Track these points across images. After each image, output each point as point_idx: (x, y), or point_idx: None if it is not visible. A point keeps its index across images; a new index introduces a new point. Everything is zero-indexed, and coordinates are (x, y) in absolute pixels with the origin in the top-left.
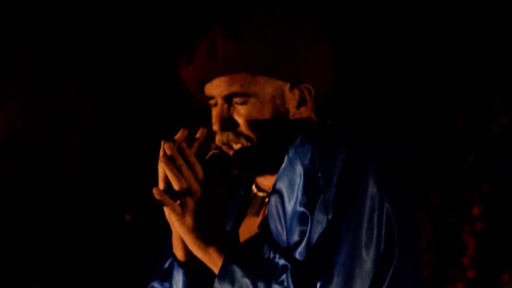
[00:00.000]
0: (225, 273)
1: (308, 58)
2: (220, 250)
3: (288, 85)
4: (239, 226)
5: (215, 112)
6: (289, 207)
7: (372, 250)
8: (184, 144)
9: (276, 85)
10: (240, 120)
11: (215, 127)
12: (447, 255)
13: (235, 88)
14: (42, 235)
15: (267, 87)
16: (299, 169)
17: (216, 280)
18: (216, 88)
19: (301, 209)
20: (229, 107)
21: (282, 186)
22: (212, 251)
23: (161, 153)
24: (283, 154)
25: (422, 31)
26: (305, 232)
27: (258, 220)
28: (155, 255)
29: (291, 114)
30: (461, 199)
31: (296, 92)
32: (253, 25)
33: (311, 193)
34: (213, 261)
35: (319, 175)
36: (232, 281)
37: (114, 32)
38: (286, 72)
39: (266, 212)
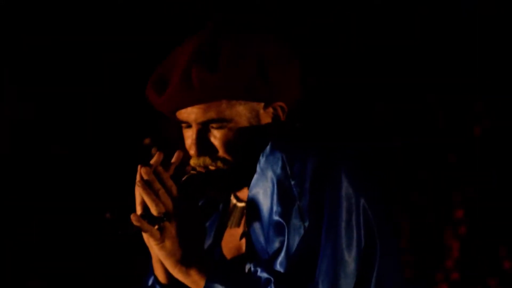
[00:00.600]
0: None
1: (281, 80)
2: (201, 271)
3: (262, 105)
4: (221, 238)
5: (189, 134)
6: (266, 217)
7: (354, 250)
8: (160, 168)
9: (251, 107)
10: (217, 143)
11: (192, 151)
12: (430, 257)
13: (211, 114)
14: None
15: (243, 111)
16: (271, 178)
17: None
18: (190, 114)
19: (277, 218)
20: (205, 131)
21: (257, 195)
22: (193, 273)
23: (137, 177)
24: (254, 168)
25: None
26: (283, 242)
27: (239, 230)
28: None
29: (267, 132)
30: (443, 201)
31: (270, 110)
32: (227, 53)
33: (285, 202)
34: (195, 283)
35: (292, 182)
36: None
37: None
38: (260, 94)
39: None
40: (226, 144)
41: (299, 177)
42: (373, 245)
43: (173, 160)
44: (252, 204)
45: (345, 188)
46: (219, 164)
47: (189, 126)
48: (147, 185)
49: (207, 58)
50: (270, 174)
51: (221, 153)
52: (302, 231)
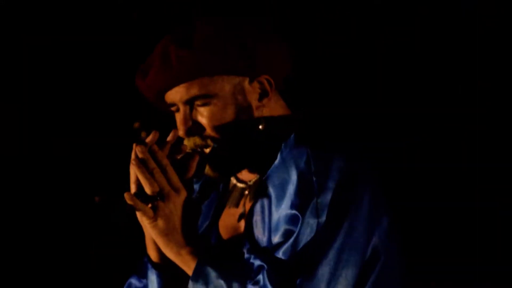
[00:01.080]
0: (199, 275)
1: (262, 53)
2: (193, 252)
3: (246, 80)
4: (218, 218)
5: (178, 117)
6: (277, 206)
7: (358, 256)
8: (155, 147)
9: (235, 81)
10: (204, 122)
11: (181, 133)
12: None
13: (194, 91)
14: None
15: (226, 85)
16: (293, 171)
17: (190, 282)
18: (176, 94)
19: (293, 211)
20: (191, 111)
21: (272, 185)
22: (185, 253)
23: (132, 156)
24: (254, 148)
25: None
26: (292, 232)
27: (238, 211)
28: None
29: (254, 107)
30: None
31: (256, 85)
32: (203, 31)
33: (304, 196)
34: (187, 263)
35: (314, 179)
36: (206, 283)
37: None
38: (242, 68)
39: (246, 204)
40: (213, 120)
41: (322, 175)
42: (377, 259)
43: (168, 139)
44: (264, 192)
45: (367, 200)
46: (209, 142)
47: (178, 110)
48: (142, 164)
49: (185, 37)
50: (292, 167)
51: (209, 130)
52: (315, 227)
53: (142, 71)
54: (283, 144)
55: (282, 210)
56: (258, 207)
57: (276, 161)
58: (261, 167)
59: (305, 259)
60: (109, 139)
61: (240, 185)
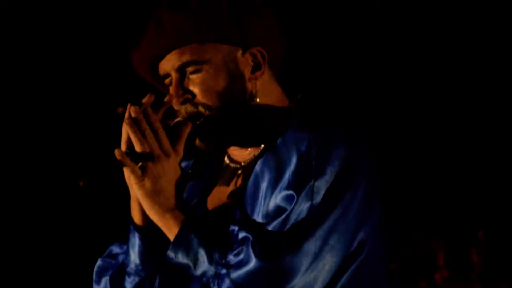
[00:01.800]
0: (181, 241)
1: (255, 23)
2: (178, 217)
3: (239, 51)
4: (208, 195)
5: (171, 88)
6: (273, 187)
7: (344, 245)
8: (149, 109)
9: (227, 50)
10: (195, 89)
11: (173, 100)
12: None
13: (186, 57)
14: None
15: (218, 53)
16: (293, 154)
17: (170, 247)
18: (168, 63)
19: (289, 191)
20: (183, 79)
21: (268, 166)
22: (169, 216)
23: (126, 115)
24: (247, 125)
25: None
26: (285, 210)
27: (228, 189)
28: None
29: (246, 78)
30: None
31: (249, 56)
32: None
33: (302, 178)
34: (170, 228)
35: (313, 163)
36: (187, 250)
37: None
38: (234, 37)
39: (237, 183)
40: (204, 87)
41: (322, 159)
42: (362, 247)
43: (166, 99)
44: (260, 170)
45: (363, 192)
46: (201, 109)
47: (171, 83)
48: (135, 123)
49: (178, 2)
50: (293, 150)
51: (201, 98)
52: (307, 207)
53: (136, 42)
54: (285, 128)
55: (277, 190)
56: (251, 185)
57: (278, 142)
58: (257, 148)
59: (293, 235)
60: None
61: (233, 165)
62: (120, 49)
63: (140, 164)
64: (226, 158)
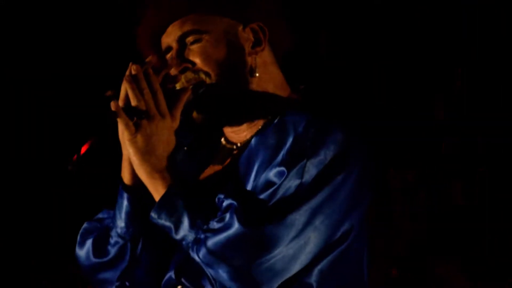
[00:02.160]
0: (165, 202)
1: (258, 1)
2: (166, 178)
3: (240, 26)
4: (201, 173)
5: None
6: (266, 165)
7: (328, 230)
8: (150, 70)
9: (229, 23)
10: (195, 58)
11: (173, 69)
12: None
13: (187, 27)
14: None
15: (219, 25)
16: (290, 135)
17: (154, 207)
18: (169, 35)
19: (281, 167)
20: (183, 50)
21: (265, 145)
22: (157, 177)
23: (127, 72)
24: (246, 103)
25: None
26: (274, 184)
27: (220, 168)
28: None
29: (246, 52)
30: None
31: (250, 32)
32: None
33: (295, 156)
34: (156, 188)
35: (308, 144)
36: (171, 212)
37: None
38: (236, 10)
39: (232, 162)
40: (204, 55)
41: (318, 141)
42: (344, 240)
43: (167, 56)
44: (255, 148)
45: (354, 179)
46: (201, 75)
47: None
48: (134, 81)
49: None
50: (290, 130)
51: (200, 65)
52: (296, 184)
53: (140, 14)
54: (284, 110)
55: (270, 167)
56: (243, 160)
57: (276, 121)
58: (254, 129)
59: (278, 207)
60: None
61: (228, 145)
62: (120, 49)
63: (134, 120)
64: (223, 140)
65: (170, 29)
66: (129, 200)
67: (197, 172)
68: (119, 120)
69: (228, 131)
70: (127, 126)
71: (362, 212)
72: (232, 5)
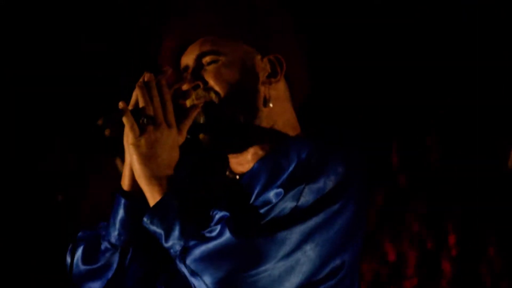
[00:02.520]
0: (159, 209)
1: (280, 37)
2: (163, 186)
3: (259, 55)
4: (200, 193)
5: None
6: (265, 188)
7: (318, 257)
8: (163, 81)
9: (248, 50)
10: (209, 77)
11: (186, 85)
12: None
13: (206, 47)
14: None
15: (238, 51)
16: (293, 160)
17: (147, 212)
18: (189, 54)
19: (279, 189)
20: (199, 69)
21: (266, 167)
22: (155, 183)
23: (140, 80)
24: (252, 131)
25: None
26: (269, 203)
27: (221, 191)
28: None
29: (260, 81)
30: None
31: (267, 62)
32: None
33: (294, 180)
34: (153, 195)
35: (309, 170)
36: (162, 219)
37: None
38: (256, 40)
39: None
40: (218, 74)
41: (319, 170)
42: (334, 277)
43: (181, 70)
44: (256, 171)
45: (352, 211)
46: (212, 95)
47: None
48: (145, 87)
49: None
50: (293, 155)
51: (211, 83)
52: (291, 207)
53: (164, 32)
54: (292, 137)
55: (270, 189)
56: (245, 183)
57: (280, 148)
58: (257, 159)
59: (270, 224)
60: None
61: (232, 176)
62: (120, 49)
63: (141, 122)
64: (228, 172)
65: (190, 49)
66: (125, 206)
67: (196, 191)
68: (124, 120)
69: (233, 162)
70: (132, 128)
71: (356, 249)
72: (254, 34)
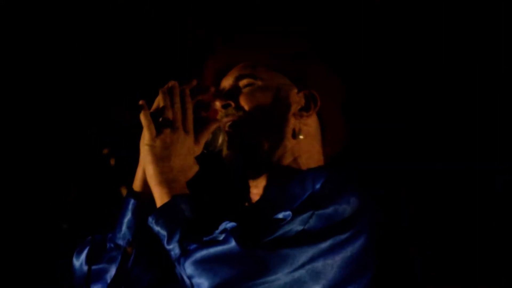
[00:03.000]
0: (165, 210)
1: (320, 79)
2: (173, 189)
3: (296, 88)
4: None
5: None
6: (276, 212)
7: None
8: (187, 91)
9: (285, 82)
10: (242, 98)
11: (218, 101)
12: None
13: (246, 71)
14: None
15: (276, 79)
16: (308, 189)
17: (154, 212)
18: (228, 76)
19: (287, 212)
20: (235, 90)
21: (282, 194)
22: (165, 186)
23: (165, 86)
24: (275, 157)
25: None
26: (278, 221)
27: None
28: None
29: (291, 111)
30: None
31: (302, 97)
32: (272, 31)
33: (305, 206)
34: (161, 197)
35: (321, 198)
36: (167, 220)
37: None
38: (297, 72)
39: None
40: (250, 96)
41: (330, 197)
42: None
43: (208, 85)
44: (271, 194)
45: (360, 245)
46: (241, 114)
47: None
48: (168, 93)
49: (256, 28)
50: (309, 184)
51: (242, 103)
52: (297, 230)
53: (211, 53)
54: (307, 170)
55: (278, 213)
56: (257, 205)
57: (295, 178)
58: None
59: (275, 240)
60: None
61: (248, 204)
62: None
63: (158, 122)
64: (246, 204)
65: (230, 72)
66: (133, 207)
67: (208, 205)
68: (142, 117)
69: (254, 192)
70: (149, 127)
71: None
72: (296, 68)
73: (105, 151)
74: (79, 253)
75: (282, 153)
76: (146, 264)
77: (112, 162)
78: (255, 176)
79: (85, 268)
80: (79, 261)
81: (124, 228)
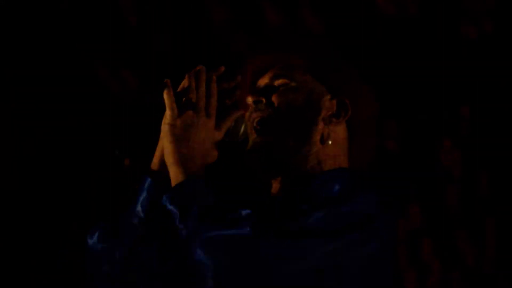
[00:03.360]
0: (181, 189)
1: (353, 80)
2: (189, 169)
3: (329, 95)
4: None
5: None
6: (289, 208)
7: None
8: (214, 77)
9: (319, 87)
10: (274, 96)
11: (249, 97)
12: None
13: (282, 71)
14: None
15: (310, 83)
16: (328, 187)
17: (169, 191)
18: (265, 76)
19: (305, 206)
20: (269, 87)
21: (298, 194)
22: (181, 165)
23: (192, 70)
24: (295, 158)
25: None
26: (292, 216)
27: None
28: None
29: (321, 116)
30: None
31: (334, 104)
32: (314, 41)
33: (323, 203)
34: (177, 176)
35: (340, 199)
36: (181, 199)
37: None
38: (332, 80)
39: None
40: (282, 96)
41: (347, 198)
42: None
43: (238, 74)
44: (292, 194)
45: (378, 244)
46: (270, 111)
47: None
48: (194, 76)
49: (298, 34)
50: (328, 184)
51: (274, 100)
52: (310, 226)
53: (249, 55)
54: (328, 171)
55: (296, 207)
56: (275, 203)
57: (314, 182)
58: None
59: (288, 232)
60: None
61: (265, 196)
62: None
63: (181, 102)
64: (264, 195)
65: (269, 73)
66: (149, 185)
67: (226, 192)
68: (165, 96)
69: (273, 186)
70: (171, 106)
71: None
72: (333, 76)
73: (127, 162)
74: (93, 234)
75: (306, 155)
76: (158, 248)
77: (127, 162)
78: (276, 174)
79: (99, 245)
80: (92, 239)
81: (138, 206)
